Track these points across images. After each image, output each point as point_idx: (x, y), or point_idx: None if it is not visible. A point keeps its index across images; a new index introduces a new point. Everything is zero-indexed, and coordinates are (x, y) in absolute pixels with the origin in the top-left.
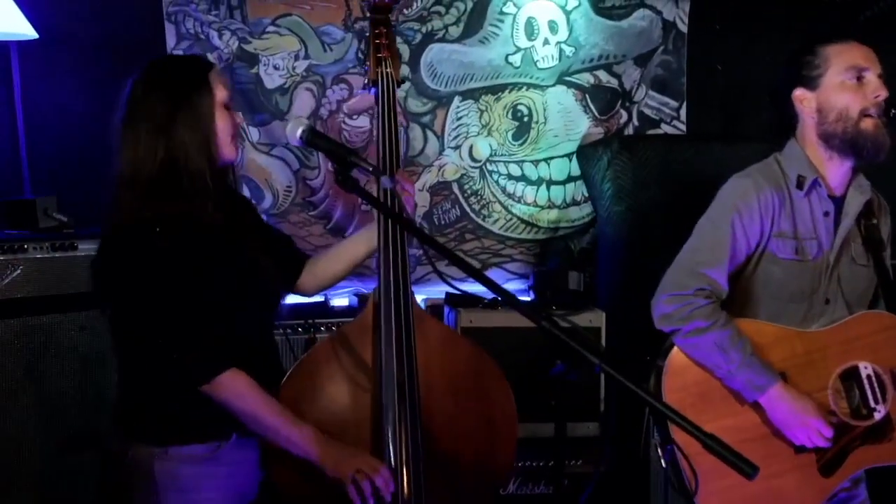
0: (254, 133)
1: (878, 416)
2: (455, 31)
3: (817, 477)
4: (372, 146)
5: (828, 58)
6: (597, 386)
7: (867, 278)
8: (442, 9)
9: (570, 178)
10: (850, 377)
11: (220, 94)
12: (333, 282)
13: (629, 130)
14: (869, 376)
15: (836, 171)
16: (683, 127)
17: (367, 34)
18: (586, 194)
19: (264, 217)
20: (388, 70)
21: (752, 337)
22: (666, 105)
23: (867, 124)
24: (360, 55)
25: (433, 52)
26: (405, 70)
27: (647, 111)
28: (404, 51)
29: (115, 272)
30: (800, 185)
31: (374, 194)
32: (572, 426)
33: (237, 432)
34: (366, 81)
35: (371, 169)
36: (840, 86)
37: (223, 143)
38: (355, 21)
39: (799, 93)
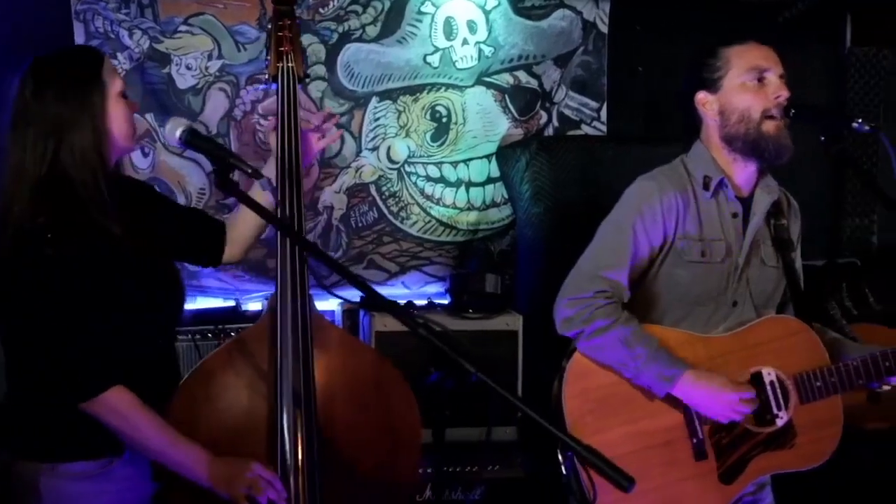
0: (162, 135)
1: (780, 422)
2: (372, 31)
3: (718, 484)
4: None
5: (728, 59)
6: (514, 390)
7: (776, 280)
8: (359, 8)
9: (490, 180)
10: (754, 383)
11: (115, 85)
12: (254, 238)
13: (549, 131)
14: (772, 382)
15: (741, 172)
16: (604, 128)
17: (269, 26)
18: (506, 196)
19: None
20: (290, 65)
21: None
22: (586, 106)
23: (769, 126)
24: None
25: (350, 52)
26: (320, 70)
27: (568, 112)
28: (320, 50)
29: (3, 281)
30: (706, 186)
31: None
32: (483, 431)
33: (129, 449)
34: (266, 76)
35: (250, 171)
36: (741, 87)
37: (121, 136)
38: (270, 20)
39: (701, 96)
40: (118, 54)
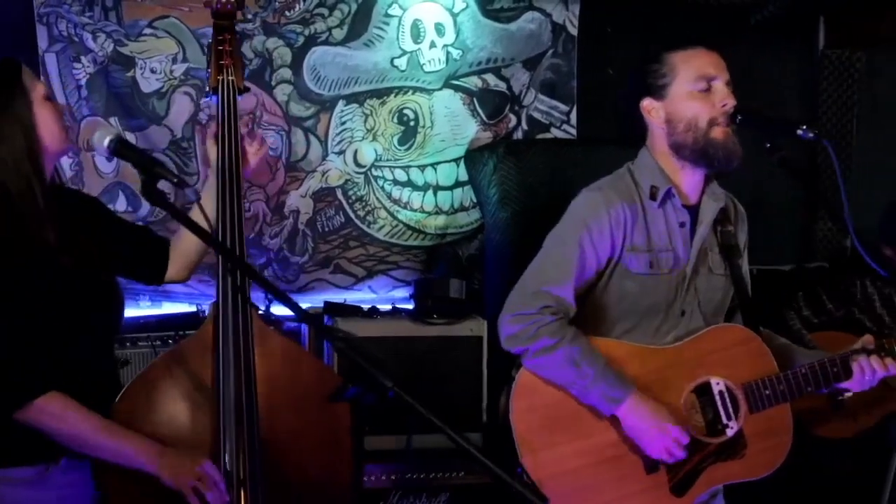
0: (130, 139)
1: (730, 432)
2: (339, 34)
3: (670, 496)
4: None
5: (675, 66)
6: (479, 396)
7: (724, 288)
8: (325, 11)
9: (458, 184)
10: (704, 393)
11: (38, 90)
12: (199, 256)
13: (518, 134)
14: (721, 392)
15: (689, 179)
16: (574, 131)
17: (210, 41)
18: (475, 200)
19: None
20: (230, 77)
21: (604, 355)
22: (556, 109)
23: (717, 133)
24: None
25: (316, 55)
26: (286, 73)
27: (537, 115)
28: (286, 54)
29: None
30: (653, 196)
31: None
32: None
33: (66, 455)
34: (207, 88)
35: (176, 181)
36: (688, 95)
37: (52, 139)
38: (235, 24)
39: (647, 103)
40: (82, 57)
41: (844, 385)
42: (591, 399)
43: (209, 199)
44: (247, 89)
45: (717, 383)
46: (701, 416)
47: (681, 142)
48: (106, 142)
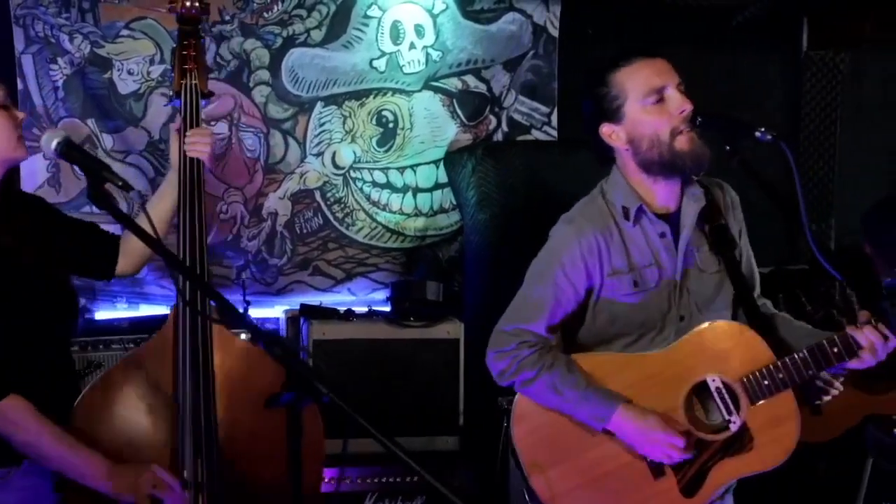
0: (107, 140)
1: (733, 427)
2: (317, 35)
3: (681, 499)
4: (231, 153)
5: (622, 86)
6: (456, 399)
7: (718, 284)
8: (304, 12)
9: (438, 186)
10: (702, 392)
11: None
12: (149, 252)
13: (498, 136)
14: (718, 388)
15: (664, 191)
16: (555, 133)
17: (175, 45)
18: (454, 202)
19: (119, 228)
20: (193, 82)
21: (591, 370)
22: (536, 111)
23: (681, 142)
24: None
25: (294, 56)
26: (264, 75)
27: (517, 117)
28: (264, 55)
29: None
30: (626, 216)
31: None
32: (430, 440)
33: (28, 458)
34: (171, 93)
35: (120, 184)
36: (643, 112)
37: (6, 148)
38: (213, 25)
39: (605, 128)
40: (59, 59)
41: (852, 365)
42: (581, 418)
43: (168, 199)
44: (211, 94)
45: (714, 380)
46: (704, 415)
47: (648, 159)
48: (53, 144)
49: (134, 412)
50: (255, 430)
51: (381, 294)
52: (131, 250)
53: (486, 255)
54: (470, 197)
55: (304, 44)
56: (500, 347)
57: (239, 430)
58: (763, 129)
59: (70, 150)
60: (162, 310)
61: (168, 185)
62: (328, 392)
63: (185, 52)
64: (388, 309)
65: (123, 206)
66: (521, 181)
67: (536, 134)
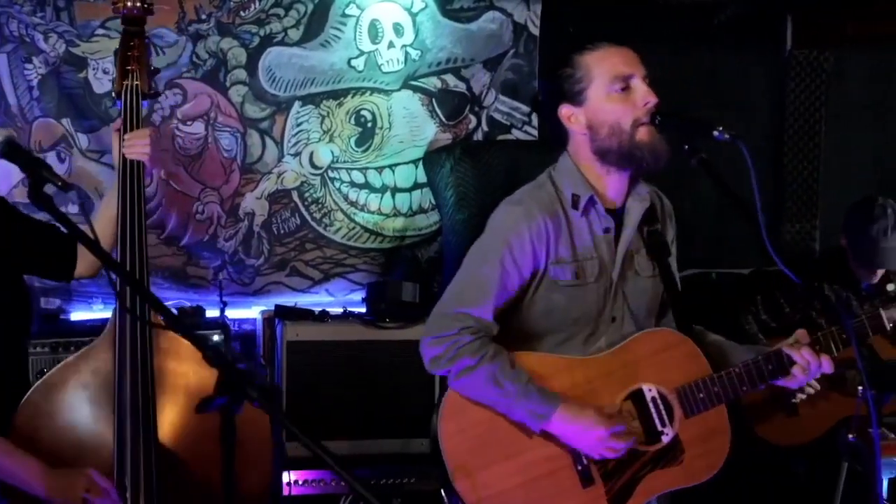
0: (82, 140)
1: (665, 439)
2: (295, 34)
3: None
4: (207, 153)
5: (589, 69)
6: (431, 402)
7: (653, 290)
8: (281, 11)
9: (417, 186)
10: (638, 400)
11: None
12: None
13: (478, 136)
14: (654, 398)
15: (614, 184)
16: (536, 132)
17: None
18: (434, 202)
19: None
20: (135, 82)
21: (530, 370)
22: (517, 110)
23: (642, 134)
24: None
25: (272, 55)
26: (241, 74)
27: (498, 116)
28: (241, 54)
29: None
30: (575, 205)
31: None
32: (405, 442)
33: None
34: (113, 93)
35: (60, 184)
36: (607, 99)
37: None
38: (189, 24)
39: (565, 110)
40: (33, 58)
41: (783, 382)
42: (518, 416)
43: (113, 204)
44: (155, 95)
45: (650, 390)
46: (638, 424)
47: (605, 147)
48: None
49: (76, 414)
50: (199, 432)
51: (360, 295)
52: (88, 255)
53: (464, 256)
54: (448, 197)
55: (282, 43)
56: (439, 332)
57: (184, 432)
58: (721, 129)
59: (10, 150)
60: None
61: (113, 189)
62: (257, 397)
63: (128, 53)
64: (363, 310)
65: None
66: (499, 181)
67: (517, 133)
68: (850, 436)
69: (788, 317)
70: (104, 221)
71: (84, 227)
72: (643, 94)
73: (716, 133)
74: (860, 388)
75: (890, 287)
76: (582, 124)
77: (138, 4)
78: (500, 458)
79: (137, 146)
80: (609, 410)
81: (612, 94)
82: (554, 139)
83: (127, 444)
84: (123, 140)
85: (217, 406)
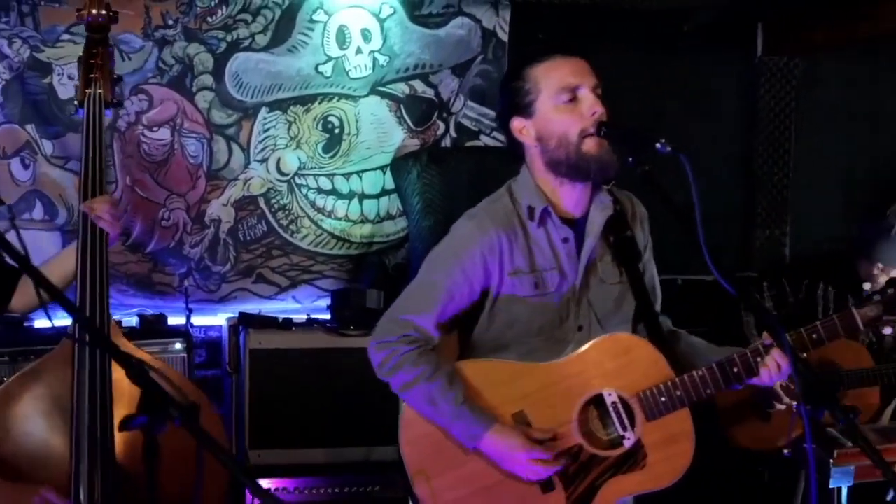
0: (47, 146)
1: (627, 444)
2: (262, 40)
3: None
4: (173, 159)
5: (537, 81)
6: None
7: (620, 296)
8: (248, 16)
9: (385, 192)
10: (602, 405)
11: None
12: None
13: (447, 142)
14: (614, 403)
15: (570, 194)
16: (504, 138)
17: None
18: (401, 208)
19: (58, 234)
20: (98, 91)
21: (485, 377)
22: (486, 116)
23: (589, 146)
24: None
25: (239, 61)
26: (208, 80)
27: (466, 122)
28: (207, 60)
29: None
30: (531, 217)
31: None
32: (370, 450)
33: None
34: (75, 101)
35: None
36: (554, 110)
37: None
38: (156, 29)
39: (516, 122)
40: None
41: (753, 381)
42: (454, 433)
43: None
44: (118, 103)
45: (610, 394)
46: (602, 429)
47: (555, 158)
48: None
49: (32, 427)
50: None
51: (327, 302)
52: (28, 291)
53: None
54: (415, 203)
55: (249, 48)
56: (382, 337)
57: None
58: (663, 141)
59: None
60: None
61: (71, 247)
62: (179, 415)
63: (91, 61)
64: (328, 317)
65: (62, 212)
66: (465, 188)
67: (485, 139)
68: (786, 451)
69: (791, 307)
70: (56, 277)
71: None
72: (590, 105)
73: (658, 145)
74: (794, 403)
75: (866, 286)
76: (532, 136)
77: (103, 12)
78: (458, 463)
79: (104, 218)
80: (540, 436)
81: (559, 105)
82: (511, 152)
83: (84, 459)
84: (83, 202)
85: (138, 424)
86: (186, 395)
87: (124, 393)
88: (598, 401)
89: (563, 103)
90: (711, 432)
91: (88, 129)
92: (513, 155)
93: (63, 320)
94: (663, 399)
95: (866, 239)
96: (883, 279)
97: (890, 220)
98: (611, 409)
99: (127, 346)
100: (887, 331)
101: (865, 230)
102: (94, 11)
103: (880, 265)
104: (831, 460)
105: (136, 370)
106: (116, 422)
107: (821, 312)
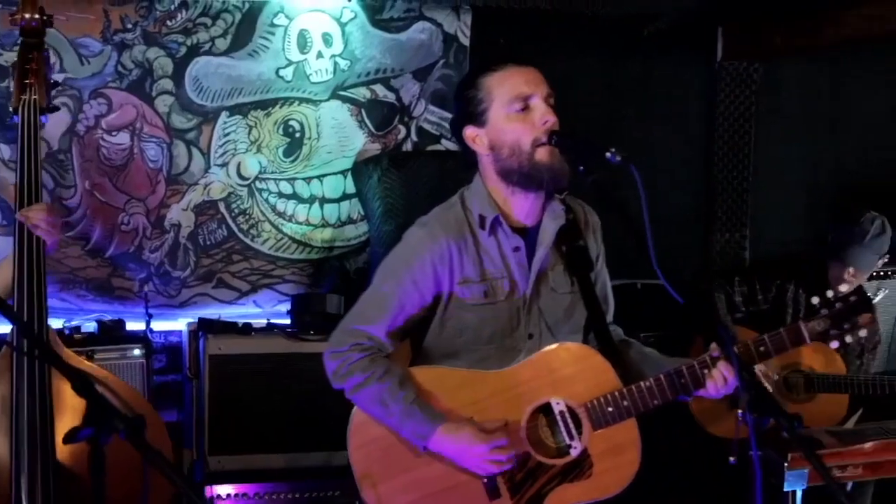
0: (5, 150)
1: (574, 452)
2: (222, 44)
3: None
4: (133, 163)
5: (490, 90)
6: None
7: (571, 305)
8: (208, 20)
9: (346, 196)
10: (548, 414)
11: None
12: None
13: (408, 146)
14: (562, 412)
15: (521, 204)
16: None
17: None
18: (363, 212)
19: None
20: (33, 97)
21: (434, 383)
22: (447, 120)
23: (541, 155)
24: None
25: (199, 65)
26: (167, 84)
27: (427, 126)
28: (167, 64)
29: None
30: (482, 225)
31: None
32: (329, 455)
33: None
34: (62, 103)
35: None
36: (507, 119)
37: None
38: (115, 33)
39: (469, 131)
40: None
41: (701, 393)
42: (405, 434)
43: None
44: (54, 109)
45: (558, 403)
46: (551, 438)
47: (507, 167)
48: None
49: None
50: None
51: (288, 306)
52: None
53: None
54: (376, 208)
55: (209, 52)
56: (335, 347)
57: (82, 454)
58: (613, 150)
59: None
60: (58, 323)
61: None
62: (123, 427)
63: (26, 66)
64: (289, 322)
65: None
66: (426, 191)
67: (447, 143)
68: (731, 458)
69: (759, 304)
70: None
71: None
72: (542, 114)
73: (608, 155)
74: (739, 412)
75: (814, 300)
76: (485, 145)
77: (37, 16)
78: (404, 469)
79: (41, 226)
80: (490, 427)
81: (511, 114)
82: (465, 161)
83: (24, 467)
84: (19, 210)
85: (84, 437)
86: (132, 407)
87: (68, 404)
88: (547, 409)
89: (515, 112)
90: (680, 415)
91: (23, 137)
92: (466, 163)
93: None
94: (610, 409)
95: (840, 243)
96: (849, 286)
97: (864, 226)
98: (558, 417)
99: (70, 356)
100: (834, 345)
101: (839, 234)
102: (27, 15)
103: (851, 270)
104: (785, 463)
105: (81, 382)
106: (60, 432)
107: (790, 314)
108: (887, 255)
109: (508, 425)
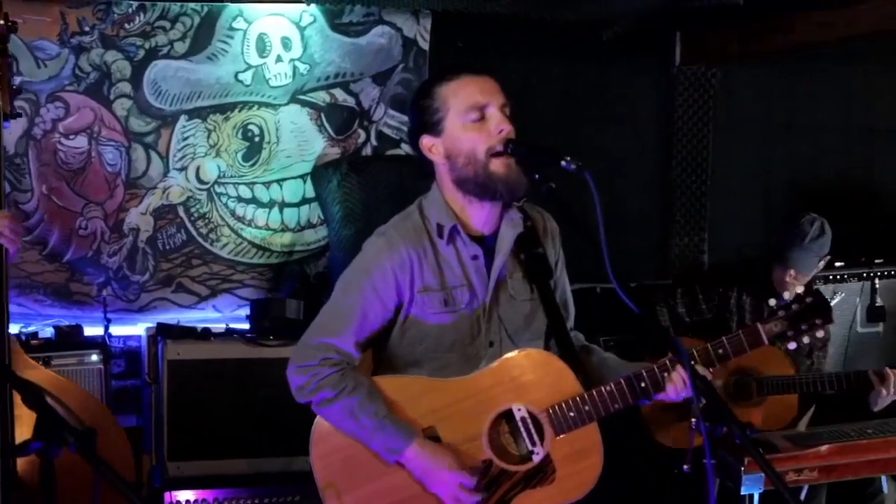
0: None
1: (536, 458)
2: (181, 47)
3: None
4: (91, 167)
5: (445, 100)
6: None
7: (531, 312)
8: (167, 24)
9: (305, 201)
10: (510, 421)
11: None
12: None
13: (368, 150)
14: (523, 418)
15: (478, 212)
16: None
17: None
18: (323, 217)
19: None
20: None
21: (395, 393)
22: (406, 124)
23: (496, 166)
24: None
25: (157, 68)
26: (125, 87)
27: (387, 130)
28: (125, 67)
29: None
30: (440, 234)
31: None
32: (289, 460)
33: None
34: (25, 106)
35: None
36: (462, 128)
37: None
38: (72, 36)
39: (426, 140)
40: None
41: (661, 397)
42: (375, 447)
43: None
44: (17, 115)
45: (519, 410)
46: (513, 445)
47: (463, 176)
48: None
49: None
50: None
51: (247, 311)
52: None
53: None
54: (335, 212)
55: (168, 56)
56: (302, 362)
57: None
58: (568, 158)
59: None
60: (15, 328)
61: None
62: (74, 441)
63: None
64: (248, 327)
65: None
66: (385, 196)
67: (406, 148)
68: (685, 466)
69: (703, 313)
70: None
71: None
72: (497, 123)
73: (563, 163)
74: (693, 420)
75: (771, 302)
76: (441, 154)
77: (1, 22)
78: (367, 479)
79: (5, 234)
80: (475, 444)
81: (466, 123)
82: (422, 170)
83: None
84: None
85: (34, 450)
86: (85, 418)
87: (25, 415)
88: (509, 416)
89: (470, 122)
90: (637, 433)
91: None
92: (423, 172)
93: None
94: (572, 414)
95: (781, 245)
96: (796, 287)
97: (803, 227)
98: (520, 424)
99: (28, 362)
100: (791, 346)
101: (780, 236)
102: None
103: (792, 272)
104: (742, 468)
105: (32, 395)
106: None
107: (735, 321)
108: (828, 257)
109: (470, 434)
